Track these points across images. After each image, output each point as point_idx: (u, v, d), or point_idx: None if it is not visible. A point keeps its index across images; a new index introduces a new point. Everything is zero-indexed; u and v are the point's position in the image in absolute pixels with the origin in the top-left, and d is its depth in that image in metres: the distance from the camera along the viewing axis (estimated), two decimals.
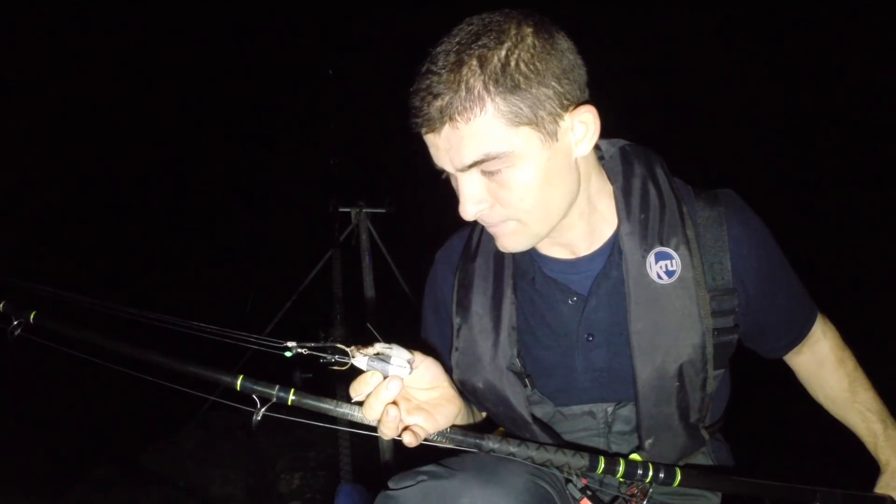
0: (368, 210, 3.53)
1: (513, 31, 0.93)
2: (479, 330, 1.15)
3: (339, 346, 0.87)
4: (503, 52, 0.92)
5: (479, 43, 0.92)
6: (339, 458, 2.51)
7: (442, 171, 1.03)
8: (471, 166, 0.96)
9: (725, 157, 4.48)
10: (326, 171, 3.43)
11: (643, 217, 1.09)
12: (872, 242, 4.48)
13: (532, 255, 1.17)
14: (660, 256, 1.07)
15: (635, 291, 1.08)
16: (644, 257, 1.07)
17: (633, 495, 1.01)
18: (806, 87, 4.84)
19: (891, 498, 1.23)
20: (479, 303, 1.16)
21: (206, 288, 4.82)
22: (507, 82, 0.91)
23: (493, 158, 0.94)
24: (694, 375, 1.08)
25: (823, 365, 1.30)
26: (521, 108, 0.92)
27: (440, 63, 0.93)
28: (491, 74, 0.91)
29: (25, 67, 4.67)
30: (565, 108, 0.97)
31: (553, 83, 0.94)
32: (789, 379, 1.37)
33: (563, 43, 0.97)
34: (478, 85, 0.91)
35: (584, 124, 1.00)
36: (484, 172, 0.97)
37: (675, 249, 1.07)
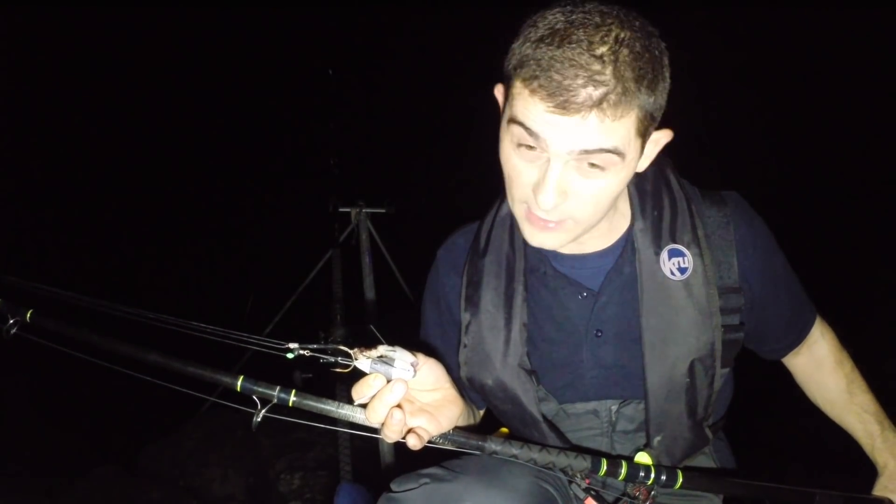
0: (368, 210, 3.52)
1: (637, 24, 0.87)
2: (489, 327, 1.14)
3: (342, 348, 0.86)
4: (639, 47, 0.85)
5: (618, 30, 0.85)
6: (339, 458, 2.50)
7: (521, 140, 0.91)
8: (590, 152, 0.88)
9: (723, 158, 4.48)
10: (326, 171, 3.42)
11: (656, 214, 1.10)
12: (871, 244, 4.49)
13: (543, 251, 1.16)
14: (673, 253, 1.08)
15: (648, 287, 1.08)
16: (657, 254, 1.08)
17: (636, 496, 1.01)
18: (806, 87, 4.84)
19: (889, 500, 1.23)
20: (490, 299, 1.15)
21: (206, 288, 4.81)
22: (651, 84, 0.86)
23: (616, 154, 0.88)
24: (703, 372, 1.09)
25: (821, 366, 1.30)
26: (652, 115, 0.90)
27: (585, 36, 0.84)
28: (643, 72, 0.85)
29: (27, 67, 4.67)
30: (656, 123, 0.95)
31: (665, 91, 0.92)
32: (788, 381, 1.37)
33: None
34: (631, 81, 0.84)
35: (657, 144, 0.99)
36: (585, 166, 0.90)
37: (687, 247, 1.08)
